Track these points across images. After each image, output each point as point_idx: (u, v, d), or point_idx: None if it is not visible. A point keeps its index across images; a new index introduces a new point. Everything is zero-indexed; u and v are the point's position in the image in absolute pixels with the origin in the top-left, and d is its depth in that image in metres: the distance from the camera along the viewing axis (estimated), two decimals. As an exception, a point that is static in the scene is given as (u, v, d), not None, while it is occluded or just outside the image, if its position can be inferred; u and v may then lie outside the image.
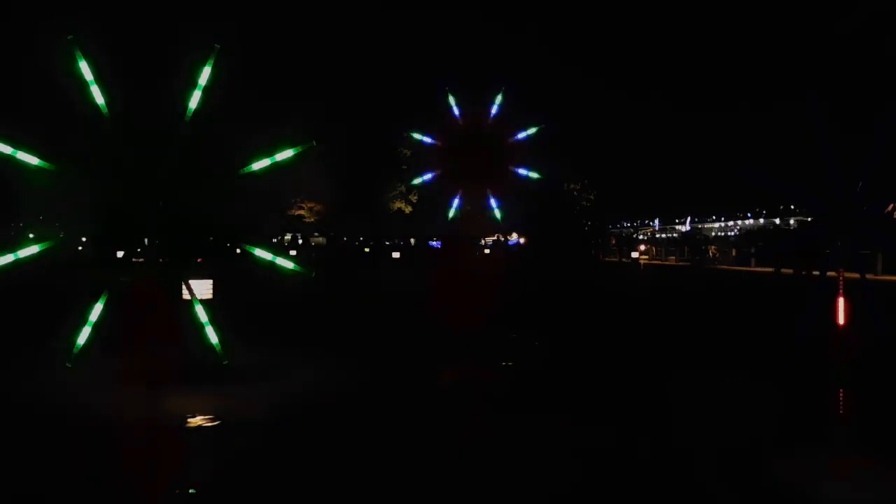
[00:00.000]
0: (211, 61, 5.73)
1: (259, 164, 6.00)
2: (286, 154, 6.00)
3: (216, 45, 5.73)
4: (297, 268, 5.99)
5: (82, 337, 5.78)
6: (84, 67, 5.65)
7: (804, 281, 7.39)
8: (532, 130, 11.56)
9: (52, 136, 5.81)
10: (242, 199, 6.22)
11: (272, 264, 6.08)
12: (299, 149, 5.96)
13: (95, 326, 5.72)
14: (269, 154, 6.01)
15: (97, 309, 5.76)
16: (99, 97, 5.75)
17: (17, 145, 5.64)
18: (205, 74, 5.80)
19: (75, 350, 5.85)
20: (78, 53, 5.59)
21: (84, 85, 5.71)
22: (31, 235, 6.10)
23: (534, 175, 11.74)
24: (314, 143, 6.02)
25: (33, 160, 5.73)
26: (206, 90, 5.82)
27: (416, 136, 11.94)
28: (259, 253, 6.00)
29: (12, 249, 5.77)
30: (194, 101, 5.82)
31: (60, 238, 5.94)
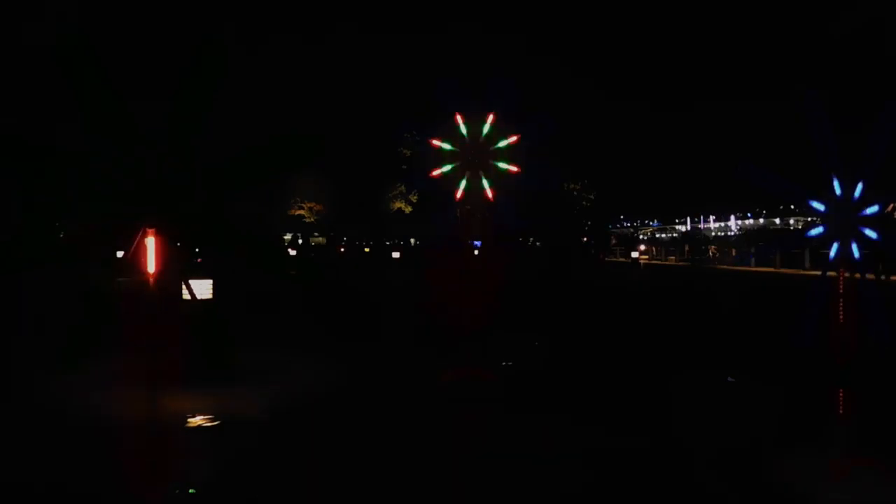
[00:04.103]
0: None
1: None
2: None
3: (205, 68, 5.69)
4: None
5: (79, 337, 5.75)
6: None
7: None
8: (512, 139, 11.62)
9: None
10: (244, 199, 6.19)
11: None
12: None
13: (94, 327, 5.69)
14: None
15: (95, 309, 5.73)
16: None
17: None
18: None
19: (71, 350, 5.82)
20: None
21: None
22: None
23: (534, 176, 11.75)
24: None
25: None
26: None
27: (416, 136, 11.94)
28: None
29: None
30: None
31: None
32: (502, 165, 11.72)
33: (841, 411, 7.40)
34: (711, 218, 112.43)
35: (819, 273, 7.65)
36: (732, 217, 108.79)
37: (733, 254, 66.68)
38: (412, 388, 11.49)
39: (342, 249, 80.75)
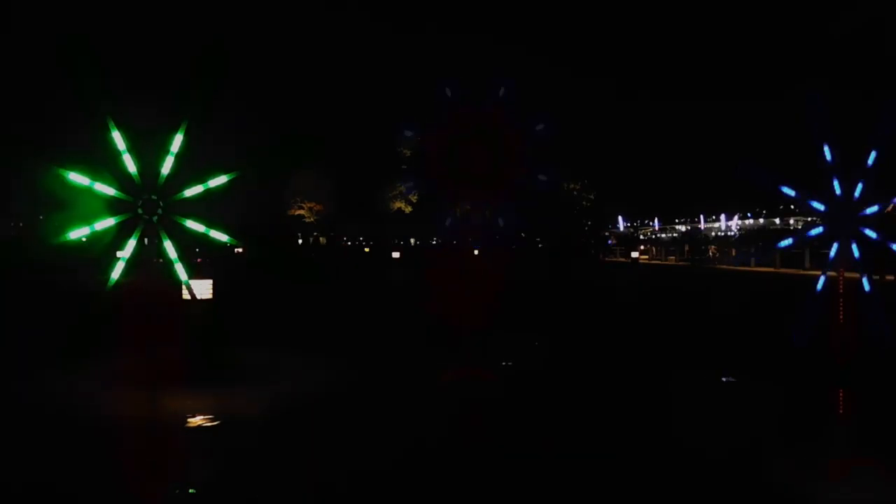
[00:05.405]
0: (183, 128, 5.76)
1: (191, 191, 5.94)
2: (220, 180, 5.93)
3: (187, 115, 5.75)
4: (231, 240, 5.96)
5: (79, 337, 5.76)
6: (117, 137, 5.66)
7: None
8: (539, 127, 11.54)
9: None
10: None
11: (205, 236, 6.00)
12: (232, 175, 5.93)
13: (94, 327, 5.70)
14: (202, 180, 5.94)
15: (95, 308, 5.73)
16: (132, 166, 5.77)
17: (94, 177, 5.66)
18: (177, 142, 5.82)
19: (71, 350, 5.84)
20: (111, 123, 5.62)
21: (117, 154, 5.71)
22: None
23: (541, 177, 11.74)
24: (244, 170, 5.97)
25: (110, 191, 5.74)
26: (178, 157, 5.83)
27: (416, 135, 11.92)
28: (191, 224, 5.96)
29: (87, 222, 5.72)
30: (167, 167, 5.85)
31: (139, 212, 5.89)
32: None
33: (841, 411, 7.40)
34: (712, 217, 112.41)
35: (819, 273, 7.65)
36: (735, 217, 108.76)
37: (733, 254, 66.76)
38: (412, 388, 11.49)
39: (342, 250, 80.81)
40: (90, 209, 5.70)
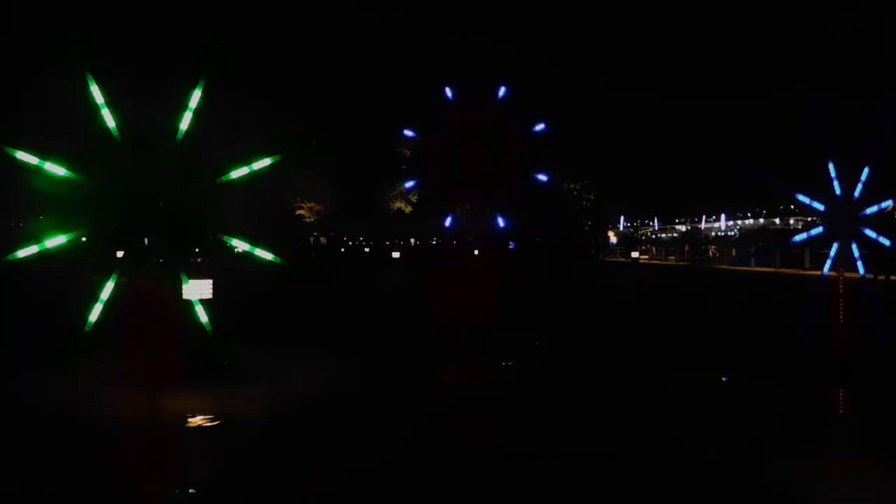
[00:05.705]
0: (201, 85, 5.69)
1: (237, 173, 5.87)
2: (264, 163, 5.87)
3: (206, 71, 5.65)
4: (276, 258, 5.87)
5: (79, 337, 5.72)
6: (95, 91, 5.54)
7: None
8: (539, 127, 11.54)
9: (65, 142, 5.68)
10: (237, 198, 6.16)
11: (251, 254, 5.92)
12: (275, 158, 5.88)
13: (94, 327, 5.66)
14: (247, 162, 5.86)
15: (95, 308, 5.71)
16: (111, 121, 5.63)
17: (44, 155, 5.49)
18: (195, 97, 5.73)
19: (71, 349, 5.81)
20: (90, 77, 5.50)
21: (95, 108, 5.58)
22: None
23: (541, 177, 11.74)
24: (289, 152, 5.88)
25: (60, 171, 5.55)
26: (196, 112, 5.71)
27: (416, 135, 11.92)
28: (237, 243, 5.89)
29: (36, 241, 5.53)
30: (185, 122, 5.75)
31: (90, 227, 5.71)
32: None
33: (841, 411, 7.40)
34: (712, 218, 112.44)
35: (819, 273, 7.66)
36: (734, 218, 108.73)
37: (733, 254, 66.79)
38: (412, 388, 11.50)
39: (343, 250, 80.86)
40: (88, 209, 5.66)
